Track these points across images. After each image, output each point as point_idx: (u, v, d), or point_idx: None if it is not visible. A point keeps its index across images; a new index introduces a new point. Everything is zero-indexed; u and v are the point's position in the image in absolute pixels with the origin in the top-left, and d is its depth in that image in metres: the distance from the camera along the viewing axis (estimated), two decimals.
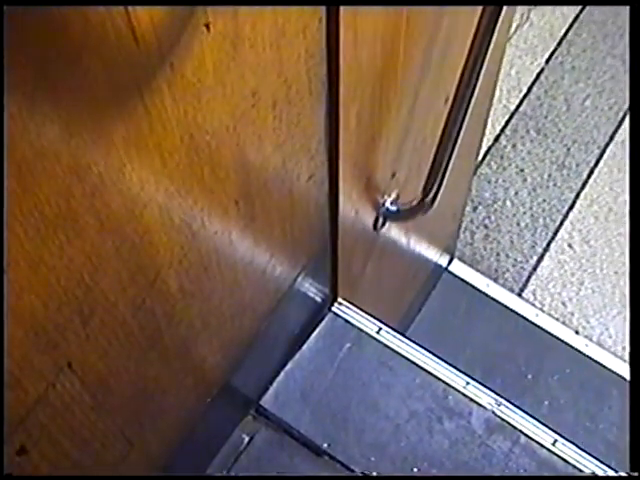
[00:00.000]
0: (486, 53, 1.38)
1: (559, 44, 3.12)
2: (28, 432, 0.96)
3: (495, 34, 1.34)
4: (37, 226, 0.75)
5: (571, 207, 2.72)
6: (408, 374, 1.80)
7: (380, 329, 1.84)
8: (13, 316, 0.80)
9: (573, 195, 2.73)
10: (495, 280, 2.74)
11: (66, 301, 0.87)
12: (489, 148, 2.79)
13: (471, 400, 1.78)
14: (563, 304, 2.69)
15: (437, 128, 1.58)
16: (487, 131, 2.55)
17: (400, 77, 1.47)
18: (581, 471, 1.72)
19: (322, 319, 1.85)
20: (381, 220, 1.80)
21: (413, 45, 1.41)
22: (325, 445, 1.71)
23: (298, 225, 1.41)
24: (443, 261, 2.73)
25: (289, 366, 1.80)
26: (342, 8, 1.07)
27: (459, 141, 1.55)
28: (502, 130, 2.85)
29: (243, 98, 0.98)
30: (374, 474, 1.70)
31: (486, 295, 2.63)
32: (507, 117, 2.93)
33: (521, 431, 1.75)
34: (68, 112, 0.71)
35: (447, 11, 1.49)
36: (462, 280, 2.66)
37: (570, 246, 2.77)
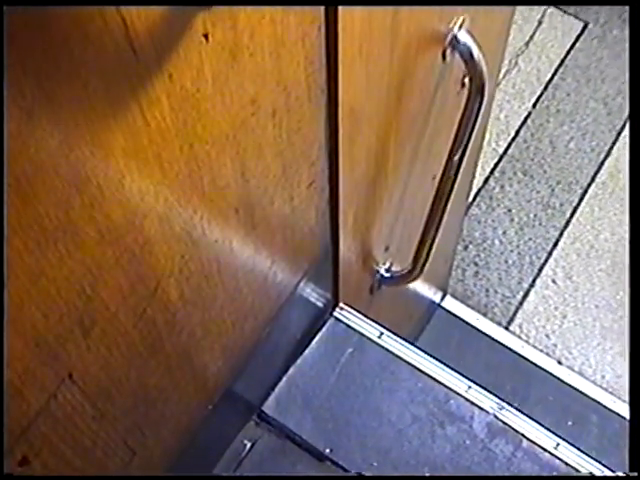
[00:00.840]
0: (469, 140, 1.51)
1: (545, 88, 3.34)
2: (30, 443, 0.96)
3: (479, 120, 1.43)
4: (37, 238, 0.75)
5: (555, 245, 2.87)
6: (410, 379, 1.80)
7: (382, 334, 1.84)
8: (14, 327, 0.80)
9: (557, 233, 2.89)
10: (484, 315, 2.89)
11: (67, 312, 0.87)
12: (479, 190, 2.94)
13: (473, 404, 1.78)
14: (547, 336, 2.86)
15: (425, 203, 1.71)
16: (477, 173, 2.66)
17: (392, 165, 1.60)
18: (583, 474, 1.72)
19: (324, 324, 1.85)
20: (376, 285, 1.98)
21: (405, 135, 1.53)
22: (327, 450, 1.71)
23: (299, 232, 1.40)
24: (437, 298, 2.86)
25: (291, 372, 1.80)
26: (340, 15, 1.07)
27: (445, 216, 1.69)
28: (491, 172, 3.02)
29: (242, 107, 0.98)
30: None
31: (476, 329, 2.81)
32: (496, 160, 3.13)
33: (523, 435, 1.75)
34: (67, 125, 0.71)
35: (434, 104, 1.58)
36: (454, 315, 2.84)
37: (554, 282, 2.94)
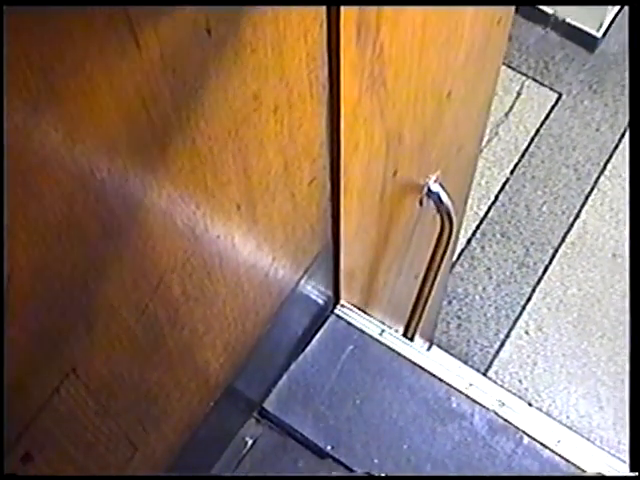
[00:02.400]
0: (445, 252, 1.87)
1: (522, 156, 3.64)
2: (33, 438, 0.96)
3: (451, 241, 1.79)
4: (41, 232, 0.76)
5: (528, 300, 3.23)
6: (411, 376, 1.80)
7: (383, 331, 1.84)
8: (17, 322, 0.80)
9: (530, 289, 3.23)
10: (465, 362, 3.18)
11: (70, 307, 0.87)
12: (462, 250, 3.27)
13: (474, 401, 1.78)
14: (519, 381, 3.22)
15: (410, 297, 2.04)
16: (461, 235, 3.00)
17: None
18: (584, 471, 1.72)
19: (325, 321, 1.85)
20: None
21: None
22: (328, 447, 1.71)
23: (300, 228, 1.41)
24: (424, 347, 3.05)
25: (292, 368, 1.80)
26: (343, 13, 1.07)
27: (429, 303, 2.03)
28: (473, 234, 3.36)
29: (245, 102, 0.98)
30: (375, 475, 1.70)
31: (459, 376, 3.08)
32: (477, 222, 3.47)
33: (524, 431, 1.75)
34: (71, 118, 0.71)
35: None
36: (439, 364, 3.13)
37: (527, 333, 3.28)
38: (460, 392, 1.79)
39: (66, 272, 0.83)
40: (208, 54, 0.85)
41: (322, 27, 1.06)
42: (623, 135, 3.68)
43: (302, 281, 1.56)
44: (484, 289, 3.25)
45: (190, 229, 1.02)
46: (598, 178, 3.57)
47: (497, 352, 3.20)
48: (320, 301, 1.78)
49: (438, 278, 2.02)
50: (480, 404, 1.78)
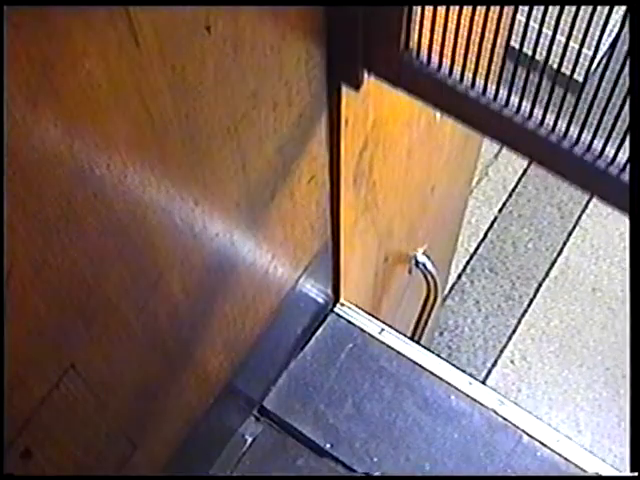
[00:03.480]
0: (430, 313, 2.19)
1: (510, 195, 3.82)
2: (32, 434, 0.96)
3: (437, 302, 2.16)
4: (40, 228, 0.76)
5: (514, 331, 3.45)
6: (410, 374, 1.81)
7: (382, 330, 1.84)
8: (17, 318, 0.81)
9: (515, 322, 3.44)
10: None
11: (69, 303, 0.88)
12: (453, 284, 3.47)
13: (473, 400, 1.78)
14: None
15: None
16: (452, 270, 3.29)
17: None
18: (583, 469, 1.72)
19: (324, 320, 1.86)
20: None
21: None
22: (328, 446, 1.72)
23: (299, 226, 1.41)
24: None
25: (292, 367, 1.80)
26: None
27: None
28: (463, 269, 3.56)
29: (244, 100, 0.99)
30: (377, 474, 1.70)
31: None
32: (467, 258, 3.66)
33: (523, 430, 1.75)
34: (70, 115, 0.71)
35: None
36: None
37: (512, 362, 3.49)
38: (460, 391, 1.79)
39: (65, 268, 0.83)
40: (207, 52, 0.86)
41: (321, 25, 1.06)
42: None
43: (302, 279, 1.56)
44: (473, 321, 3.46)
45: (189, 226, 1.02)
46: (580, 216, 3.75)
47: (484, 380, 3.39)
48: (320, 299, 1.78)
49: (426, 329, 2.30)
50: (480, 403, 1.78)
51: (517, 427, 1.75)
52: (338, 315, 1.87)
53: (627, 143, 1.04)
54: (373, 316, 1.88)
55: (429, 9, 0.98)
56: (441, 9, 0.97)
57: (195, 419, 1.44)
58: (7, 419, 0.88)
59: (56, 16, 0.63)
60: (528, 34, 0.95)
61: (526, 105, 1.05)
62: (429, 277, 2.08)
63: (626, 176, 1.06)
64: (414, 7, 0.99)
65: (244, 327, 1.42)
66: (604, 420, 3.26)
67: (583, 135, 1.07)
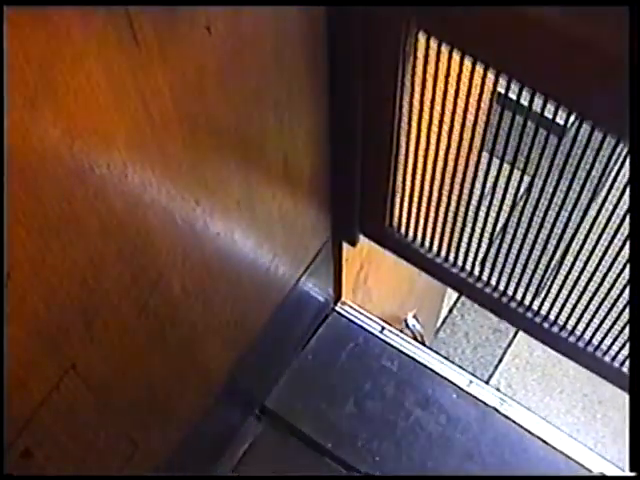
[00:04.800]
0: None
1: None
2: (33, 434, 0.96)
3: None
4: (39, 228, 0.76)
5: (500, 361, 3.58)
6: (412, 373, 1.80)
7: (383, 328, 1.84)
8: (16, 318, 0.80)
9: (502, 352, 3.59)
10: None
11: (69, 303, 0.87)
12: (444, 318, 3.59)
13: (475, 398, 1.78)
14: None
15: None
16: (444, 304, 3.45)
17: None
18: (584, 467, 1.72)
19: (326, 319, 1.85)
20: None
21: None
22: (329, 445, 1.71)
23: (300, 225, 1.41)
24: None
25: (293, 366, 1.80)
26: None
27: None
28: (454, 304, 3.66)
29: (245, 99, 0.98)
30: (378, 474, 1.70)
31: None
32: (457, 295, 3.63)
33: (524, 429, 1.75)
34: (70, 115, 0.71)
35: None
36: None
37: (498, 389, 3.80)
38: (461, 389, 1.79)
39: (65, 268, 0.83)
40: (207, 52, 0.85)
41: (322, 25, 1.06)
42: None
43: (303, 278, 1.55)
44: (463, 351, 3.60)
45: (190, 226, 1.02)
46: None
47: None
48: (321, 298, 1.78)
49: None
50: (480, 402, 1.78)
51: (518, 426, 1.75)
52: (339, 314, 1.86)
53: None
54: (375, 315, 1.88)
55: (407, 201, 1.37)
56: (415, 203, 1.36)
57: (196, 419, 1.44)
58: (7, 419, 0.88)
59: (55, 16, 0.63)
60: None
61: (477, 269, 1.44)
62: (418, 336, 2.32)
63: None
64: (395, 198, 1.38)
65: (245, 326, 1.42)
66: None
67: (544, 306, 1.40)
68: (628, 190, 1.04)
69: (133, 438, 1.24)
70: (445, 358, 1.85)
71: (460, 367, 1.84)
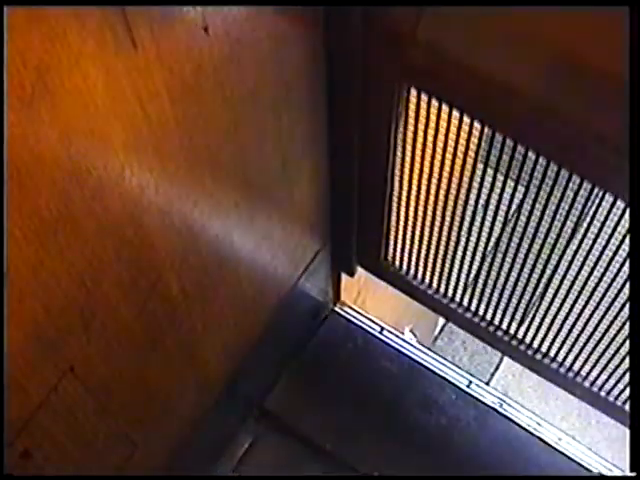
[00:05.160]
0: None
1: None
2: (31, 436, 0.96)
3: None
4: (37, 230, 0.76)
5: (497, 368, 3.65)
6: (411, 373, 1.80)
7: (382, 329, 1.84)
8: (14, 320, 0.80)
9: (498, 360, 3.65)
10: None
11: (67, 305, 0.87)
12: (442, 327, 3.62)
13: (474, 399, 1.78)
14: None
15: None
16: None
17: None
18: (585, 467, 1.72)
19: (325, 320, 1.85)
20: None
21: None
22: (328, 445, 1.71)
23: (299, 226, 1.41)
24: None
25: (292, 367, 1.80)
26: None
27: None
28: None
29: (243, 100, 0.98)
30: (375, 474, 1.70)
31: None
32: None
33: (524, 429, 1.75)
34: (67, 117, 0.71)
35: None
36: None
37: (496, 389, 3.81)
38: (460, 390, 1.79)
39: (63, 270, 0.83)
40: (205, 52, 0.85)
41: (320, 24, 1.06)
42: None
43: (302, 279, 1.55)
44: (460, 359, 3.65)
45: (188, 227, 1.02)
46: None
47: None
48: (320, 299, 1.78)
49: None
50: (481, 402, 1.78)
51: (517, 426, 1.75)
52: (338, 315, 1.86)
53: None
54: (374, 315, 1.88)
55: (400, 238, 1.50)
56: (408, 239, 1.48)
57: (195, 419, 1.44)
58: (6, 421, 0.88)
59: (51, 17, 0.63)
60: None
61: (465, 299, 1.57)
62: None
63: None
64: (390, 235, 1.51)
65: (244, 327, 1.42)
66: None
67: (528, 334, 1.52)
68: (609, 223, 1.13)
69: (132, 439, 1.24)
70: (444, 358, 1.84)
71: (460, 368, 1.84)
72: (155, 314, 1.07)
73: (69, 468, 1.09)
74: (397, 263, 1.59)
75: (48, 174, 0.72)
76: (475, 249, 1.39)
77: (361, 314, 1.86)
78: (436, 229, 1.40)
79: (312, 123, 1.20)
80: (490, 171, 1.20)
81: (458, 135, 1.16)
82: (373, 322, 1.85)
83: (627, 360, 1.39)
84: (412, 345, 1.84)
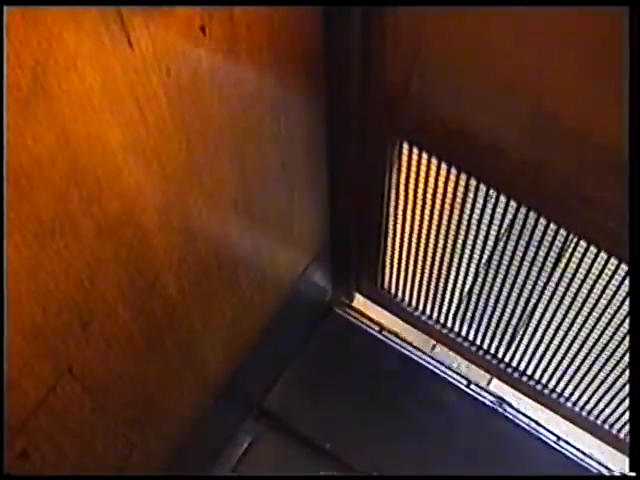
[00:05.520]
0: None
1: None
2: (29, 436, 0.96)
3: None
4: (35, 231, 0.76)
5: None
6: (411, 374, 1.80)
7: (382, 329, 1.84)
8: (13, 321, 0.80)
9: None
10: None
11: (65, 305, 0.87)
12: None
13: (473, 399, 1.78)
14: None
15: None
16: None
17: None
18: (583, 468, 1.72)
19: (324, 320, 1.85)
20: None
21: None
22: (327, 445, 1.71)
23: (298, 227, 1.41)
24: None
25: (292, 367, 1.80)
26: None
27: None
28: None
29: (240, 100, 0.98)
30: (374, 474, 1.70)
31: None
32: None
33: (524, 429, 1.75)
34: (64, 118, 0.71)
35: None
36: None
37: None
38: (460, 390, 1.79)
39: (61, 271, 0.83)
40: (202, 53, 0.85)
41: (318, 24, 1.06)
42: None
43: (301, 279, 1.56)
44: (458, 366, 3.85)
45: (186, 227, 1.02)
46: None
47: None
48: (319, 299, 1.78)
49: None
50: (480, 402, 1.78)
51: (518, 426, 1.75)
52: (338, 315, 1.86)
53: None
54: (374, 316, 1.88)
55: (395, 268, 1.63)
56: (402, 270, 1.62)
57: (195, 419, 1.44)
58: (4, 421, 0.88)
59: (47, 18, 0.63)
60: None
61: (456, 325, 1.69)
62: None
63: None
64: (386, 266, 1.64)
65: (243, 328, 1.42)
66: None
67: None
68: (586, 258, 1.23)
69: (131, 439, 1.24)
70: (445, 360, 1.84)
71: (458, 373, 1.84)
72: (154, 314, 1.07)
73: (67, 468, 1.09)
74: (392, 291, 1.72)
75: (46, 175, 0.72)
76: (464, 280, 1.51)
77: (361, 314, 1.86)
78: (428, 262, 1.52)
79: (311, 124, 1.21)
80: (476, 213, 1.30)
81: (446, 184, 1.27)
82: (373, 322, 1.85)
83: (608, 382, 1.50)
84: (411, 345, 1.84)
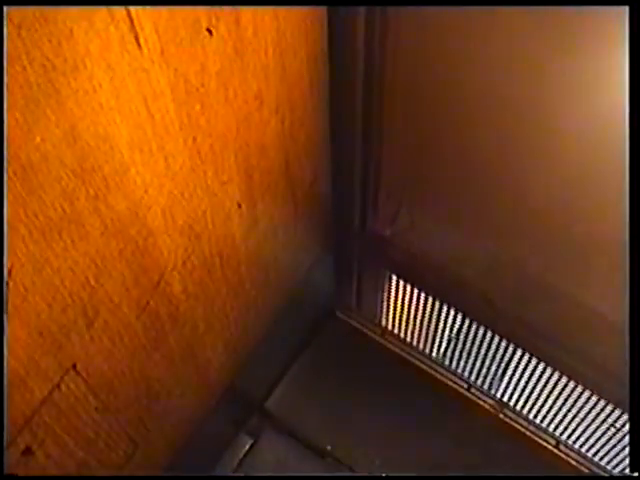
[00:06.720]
0: None
1: None
2: (33, 433, 0.96)
3: None
4: (42, 228, 0.76)
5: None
6: (412, 377, 1.81)
7: (383, 332, 1.85)
8: (18, 317, 0.81)
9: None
10: None
11: (70, 303, 0.88)
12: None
13: (473, 403, 1.78)
14: None
15: None
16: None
17: None
18: (583, 471, 1.72)
19: (327, 322, 1.86)
20: None
21: None
22: (329, 447, 1.72)
23: (302, 228, 1.41)
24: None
25: (293, 368, 1.80)
26: None
27: None
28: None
29: (246, 101, 0.99)
30: (375, 474, 1.70)
31: None
32: None
33: (524, 433, 1.75)
34: (72, 115, 0.72)
35: None
36: None
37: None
38: (460, 394, 1.79)
39: (67, 268, 0.83)
40: (209, 53, 0.86)
41: (323, 27, 1.06)
42: None
43: (303, 281, 1.56)
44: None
45: (190, 227, 1.03)
46: None
47: None
48: (322, 301, 1.78)
49: None
50: (480, 406, 1.78)
51: (517, 429, 1.75)
52: (340, 317, 1.87)
53: None
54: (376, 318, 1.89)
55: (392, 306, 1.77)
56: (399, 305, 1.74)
57: (197, 419, 1.45)
58: (8, 418, 0.88)
59: (57, 17, 0.64)
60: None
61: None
62: None
63: None
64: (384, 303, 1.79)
65: (246, 328, 1.42)
66: None
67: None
68: None
69: (133, 437, 1.24)
70: (446, 363, 1.85)
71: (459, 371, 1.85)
72: (158, 313, 1.08)
73: (70, 466, 1.10)
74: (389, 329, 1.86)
75: (54, 173, 0.73)
76: (453, 322, 1.67)
77: (362, 316, 1.86)
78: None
79: (315, 125, 1.21)
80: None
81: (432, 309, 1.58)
82: (374, 324, 1.85)
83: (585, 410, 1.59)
84: (413, 348, 1.84)
